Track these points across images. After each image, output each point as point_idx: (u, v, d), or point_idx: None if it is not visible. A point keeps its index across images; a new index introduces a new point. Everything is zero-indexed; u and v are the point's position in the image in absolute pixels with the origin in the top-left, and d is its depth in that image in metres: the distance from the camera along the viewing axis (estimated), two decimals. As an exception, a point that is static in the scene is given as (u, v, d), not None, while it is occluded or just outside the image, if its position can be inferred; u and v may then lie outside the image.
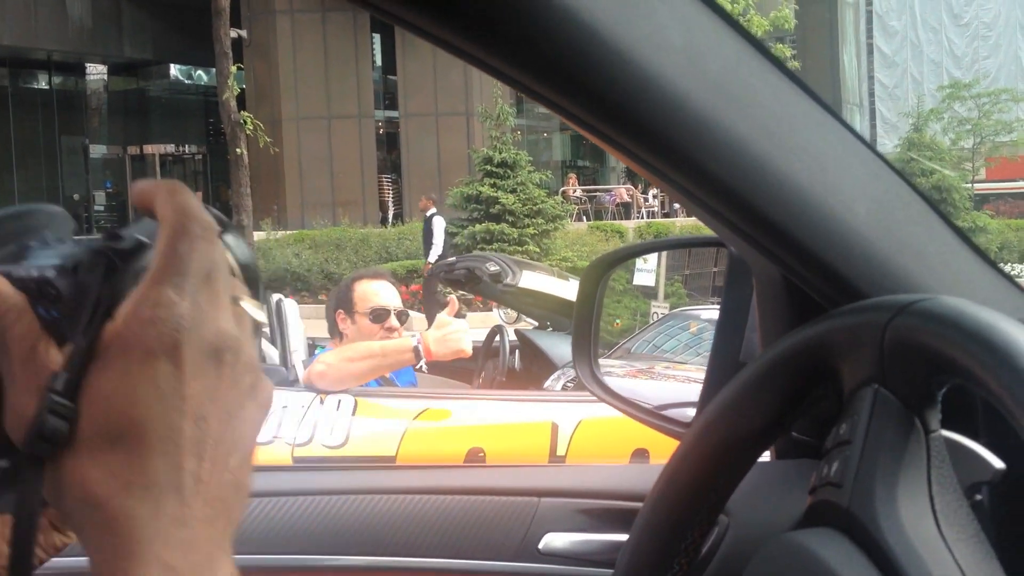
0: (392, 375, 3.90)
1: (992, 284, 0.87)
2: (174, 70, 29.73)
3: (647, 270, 4.92)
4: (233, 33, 14.26)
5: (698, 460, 0.79)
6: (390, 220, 23.61)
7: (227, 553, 0.47)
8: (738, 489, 0.96)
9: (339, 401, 3.35)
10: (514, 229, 15.68)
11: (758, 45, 0.79)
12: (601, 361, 2.87)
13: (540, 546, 1.24)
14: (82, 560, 0.45)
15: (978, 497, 0.67)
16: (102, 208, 28.65)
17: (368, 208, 24.34)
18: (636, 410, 1.27)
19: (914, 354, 0.62)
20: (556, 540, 1.24)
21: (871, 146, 0.84)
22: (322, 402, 3.34)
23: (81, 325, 0.46)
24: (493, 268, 4.58)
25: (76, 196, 28.38)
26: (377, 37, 26.30)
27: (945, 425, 0.66)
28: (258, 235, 16.00)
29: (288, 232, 19.00)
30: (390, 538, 1.24)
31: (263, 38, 23.51)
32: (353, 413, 3.34)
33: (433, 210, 14.25)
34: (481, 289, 4.93)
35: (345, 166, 24.51)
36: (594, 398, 1.33)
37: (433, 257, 13.59)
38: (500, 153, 16.19)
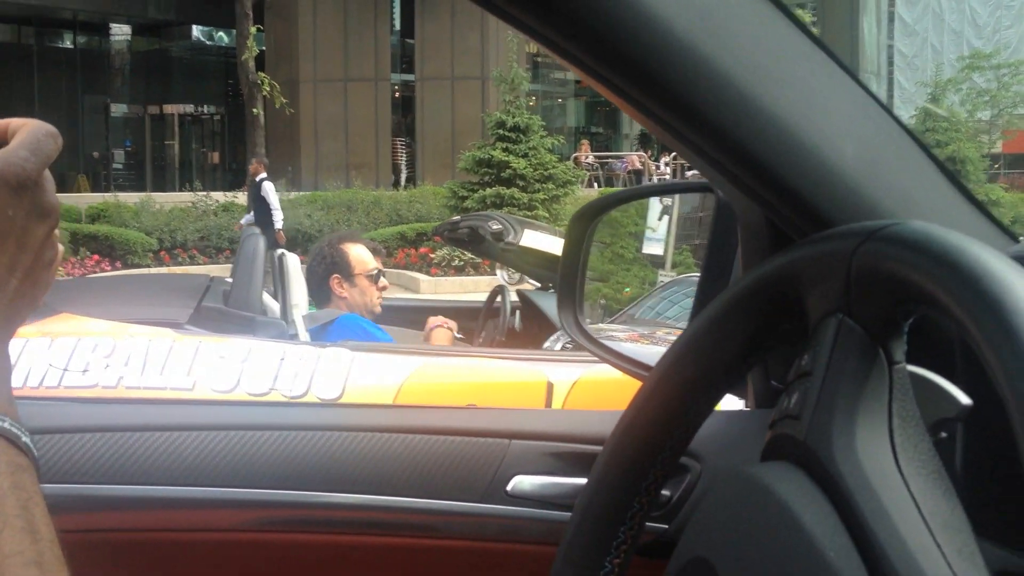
0: (373, 331, 4.03)
1: (983, 227, 0.83)
2: (196, 31, 29.74)
3: (656, 239, 4.96)
4: (254, -7, 14.36)
5: (660, 400, 0.77)
6: (402, 183, 23.67)
7: (6, 345, 0.67)
8: (713, 438, 0.97)
9: (336, 355, 3.45)
10: (524, 194, 15.69)
11: None
12: (603, 325, 2.95)
13: (508, 488, 1.22)
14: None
15: (943, 435, 0.64)
16: (120, 166, 28.89)
17: (381, 171, 24.41)
18: (615, 357, 1.28)
19: (880, 281, 0.60)
20: (524, 482, 1.22)
21: (862, 83, 0.81)
22: (320, 356, 3.44)
23: None
24: (495, 227, 4.50)
25: (96, 154, 28.60)
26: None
27: (920, 361, 0.64)
28: (272, 195, 16.15)
29: (301, 193, 19.13)
30: (356, 475, 1.21)
31: (284, 0, 23.54)
32: (350, 367, 3.42)
33: (263, 175, 13.61)
34: (484, 249, 4.93)
35: (360, 129, 24.60)
36: (592, 358, 1.31)
37: (279, 220, 13.25)
38: (513, 117, 16.17)
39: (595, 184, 23.27)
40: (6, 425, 0.61)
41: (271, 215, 13.20)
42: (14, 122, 0.67)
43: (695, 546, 0.71)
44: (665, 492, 1.12)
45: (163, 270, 14.52)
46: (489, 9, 0.75)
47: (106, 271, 14.37)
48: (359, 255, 3.96)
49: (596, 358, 1.33)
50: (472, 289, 13.13)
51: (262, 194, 13.32)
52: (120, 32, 29.48)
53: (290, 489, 1.20)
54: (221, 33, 28.37)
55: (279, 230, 13.20)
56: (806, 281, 0.67)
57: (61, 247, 0.70)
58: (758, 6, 0.76)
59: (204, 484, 1.16)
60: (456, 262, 14.27)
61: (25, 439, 0.61)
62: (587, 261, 1.38)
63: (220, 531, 1.20)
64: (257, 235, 3.91)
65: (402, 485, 1.21)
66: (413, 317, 4.66)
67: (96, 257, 14.79)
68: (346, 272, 3.92)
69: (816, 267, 0.66)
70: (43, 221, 0.66)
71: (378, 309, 3.99)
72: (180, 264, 15.13)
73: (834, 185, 0.77)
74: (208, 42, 29.98)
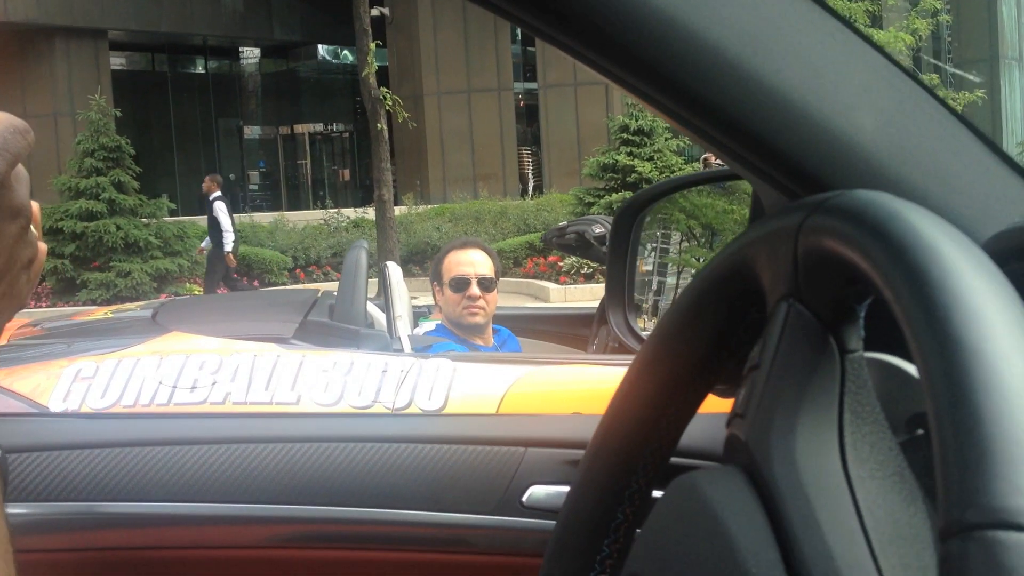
0: (496, 342, 3.95)
1: None
2: (321, 50, 30.50)
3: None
4: (375, 11, 14.59)
5: (635, 403, 0.71)
6: (530, 192, 23.75)
7: None
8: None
9: (439, 365, 3.41)
10: (651, 197, 15.56)
11: None
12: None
13: (524, 499, 1.18)
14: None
15: (920, 431, 0.59)
16: (256, 187, 29.85)
17: (508, 181, 24.56)
18: None
19: (824, 260, 0.53)
20: (541, 492, 1.18)
21: (883, 50, 0.73)
22: (422, 366, 3.41)
23: None
24: (599, 230, 4.49)
25: (232, 176, 29.58)
26: (516, 9, 26.38)
27: (895, 349, 0.59)
28: (399, 210, 16.36)
29: (430, 206, 19.37)
30: (363, 488, 1.18)
31: (405, 15, 23.91)
32: (452, 377, 3.39)
33: (217, 193, 13.08)
34: (592, 254, 4.91)
35: (486, 140, 24.79)
36: None
37: (229, 242, 12.74)
38: (637, 121, 16.05)
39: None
40: None
41: (222, 236, 12.77)
42: None
43: (632, 560, 0.66)
44: None
45: (299, 288, 14.86)
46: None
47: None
48: (454, 260, 3.82)
49: None
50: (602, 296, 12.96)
51: (214, 213, 12.83)
52: (249, 55, 30.48)
53: (294, 503, 1.17)
54: (346, 51, 29.01)
55: (228, 252, 12.83)
56: (760, 265, 0.60)
57: (43, 246, 0.70)
58: None
59: (205, 500, 1.11)
60: (585, 269, 14.18)
61: None
62: (635, 257, 1.29)
63: (222, 548, 1.16)
64: (361, 248, 3.88)
65: (412, 497, 1.17)
66: (530, 327, 4.60)
67: (234, 276, 15.24)
68: (439, 279, 3.84)
69: (767, 247, 0.59)
70: (13, 221, 0.65)
71: (467, 320, 3.79)
72: (314, 281, 15.47)
73: (852, 162, 0.69)
74: (334, 60, 30.70)
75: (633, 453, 0.71)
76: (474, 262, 3.83)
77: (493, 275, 3.87)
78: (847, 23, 0.72)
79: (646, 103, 0.73)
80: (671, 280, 2.61)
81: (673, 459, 1.05)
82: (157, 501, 1.10)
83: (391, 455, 1.19)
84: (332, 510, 1.16)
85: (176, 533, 1.11)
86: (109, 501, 1.10)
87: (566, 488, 1.10)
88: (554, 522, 1.10)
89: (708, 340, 0.66)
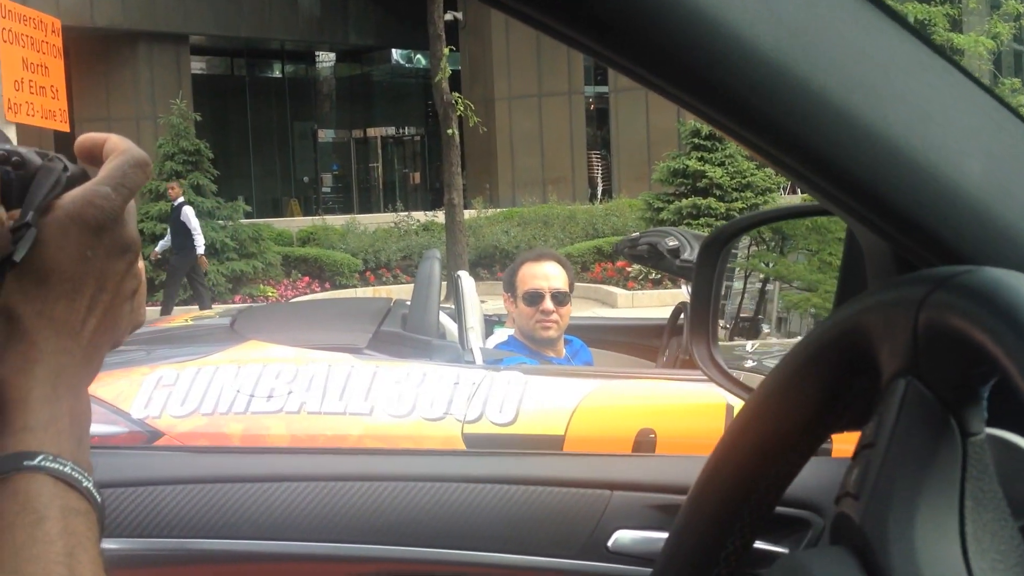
0: (568, 353, 3.95)
1: None
2: (395, 55, 30.76)
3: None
4: (448, 16, 14.66)
5: (737, 460, 0.70)
6: (599, 196, 23.68)
7: (87, 387, 0.65)
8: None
9: (510, 378, 3.43)
10: (722, 203, 15.37)
11: None
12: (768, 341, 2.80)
13: (609, 543, 1.16)
14: None
15: None
16: (329, 190, 30.23)
17: (577, 185, 24.51)
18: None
19: (948, 339, 0.52)
20: (627, 537, 1.15)
21: (992, 92, 0.72)
22: (494, 379, 3.42)
23: (44, 190, 0.62)
24: (672, 243, 4.44)
25: (306, 179, 30.04)
26: (588, 13, 26.32)
27: (1011, 427, 0.57)
28: (469, 213, 16.43)
29: (499, 210, 19.41)
30: (446, 528, 1.16)
31: (477, 19, 24.00)
32: (524, 390, 3.40)
33: (181, 199, 13.26)
34: (664, 265, 4.88)
35: (555, 143, 24.76)
36: None
37: (200, 244, 12.90)
38: (707, 125, 15.86)
39: (798, 190, 22.50)
40: (66, 469, 0.60)
41: (192, 239, 12.91)
42: (111, 142, 0.66)
43: None
44: (782, 550, 1.02)
45: (368, 291, 15.01)
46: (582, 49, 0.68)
47: (316, 292, 14.97)
48: (528, 272, 3.81)
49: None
50: (670, 303, 12.83)
51: (182, 219, 12.95)
52: (325, 59, 30.86)
53: (378, 543, 1.15)
54: (419, 56, 29.22)
55: (201, 255, 13.03)
56: (875, 334, 0.58)
57: (143, 273, 0.70)
58: (861, 15, 0.67)
59: (292, 537, 1.13)
60: (653, 275, 14.10)
61: (86, 483, 0.60)
62: (720, 291, 1.28)
63: None
64: (435, 258, 3.93)
65: (494, 539, 1.15)
66: (600, 337, 4.59)
67: (307, 279, 15.44)
68: (512, 291, 3.84)
69: (884, 318, 0.57)
70: (122, 257, 0.65)
71: (540, 334, 3.79)
72: (384, 284, 15.59)
73: (957, 209, 0.67)
74: (407, 65, 30.94)
75: (733, 508, 0.70)
76: (548, 275, 3.80)
77: (567, 288, 3.84)
78: (955, 63, 0.70)
79: (742, 143, 0.72)
80: (737, 284, 2.59)
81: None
82: (246, 539, 1.13)
83: (475, 496, 1.18)
84: (414, 551, 1.16)
85: (262, 570, 1.14)
86: (200, 538, 1.13)
87: (653, 533, 1.14)
88: (639, 568, 1.11)
89: (815, 403, 0.65)
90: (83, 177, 0.65)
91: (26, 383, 0.61)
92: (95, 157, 0.66)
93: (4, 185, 0.62)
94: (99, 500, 0.61)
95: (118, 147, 0.65)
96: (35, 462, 0.59)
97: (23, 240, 0.60)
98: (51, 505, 0.58)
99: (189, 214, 13.04)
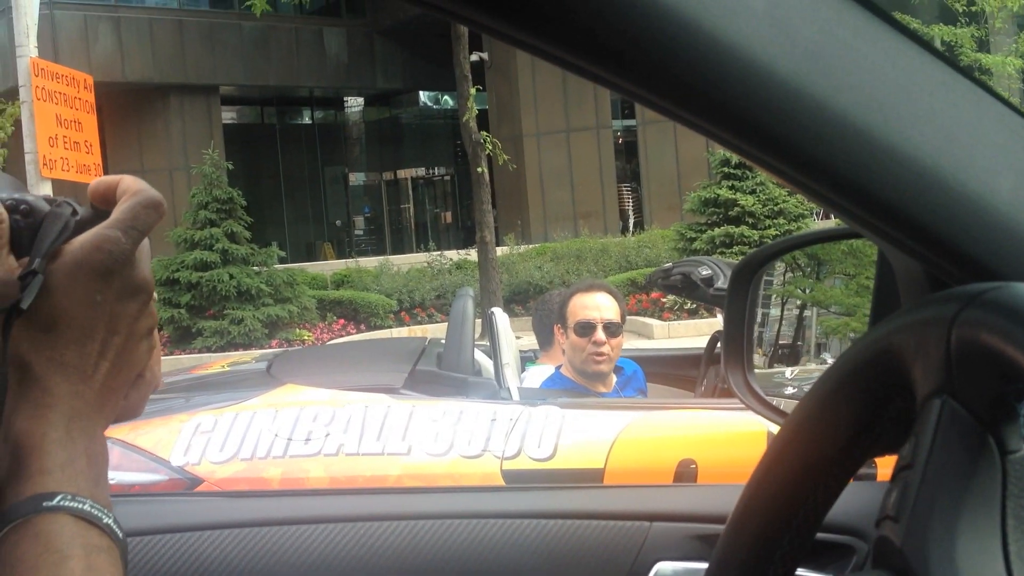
0: (619, 383, 3.92)
1: None
2: (423, 96, 31.02)
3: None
4: (474, 56, 14.77)
5: (779, 479, 0.69)
6: (631, 229, 23.66)
7: (104, 429, 0.64)
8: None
9: (547, 412, 3.41)
10: (754, 231, 15.30)
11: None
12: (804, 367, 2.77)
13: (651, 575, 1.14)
14: None
15: None
16: (361, 232, 30.42)
17: (608, 218, 24.52)
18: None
19: (982, 356, 0.52)
20: (668, 569, 1.15)
21: (1019, 110, 0.71)
22: (531, 415, 3.41)
23: (52, 237, 0.62)
24: (705, 272, 4.42)
25: (338, 222, 30.27)
26: (613, 48, 26.46)
27: None
28: (501, 250, 16.45)
29: (531, 246, 19.44)
30: (484, 565, 1.15)
31: (503, 58, 24.20)
32: (561, 425, 3.38)
33: None
34: (698, 295, 4.86)
35: (585, 178, 24.81)
36: None
37: None
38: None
39: (831, 216, 22.37)
40: (85, 507, 0.60)
41: None
42: (124, 183, 0.66)
43: None
44: None
45: (404, 331, 15.04)
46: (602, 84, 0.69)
47: (351, 334, 15.02)
48: (579, 303, 3.77)
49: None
50: (707, 332, 12.79)
51: None
52: (353, 104, 31.18)
53: None
54: (446, 96, 29.44)
55: None
56: (908, 355, 0.57)
57: (156, 314, 0.69)
58: (880, 38, 0.66)
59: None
60: (688, 305, 14.03)
61: (107, 520, 0.60)
62: (754, 318, 1.28)
63: None
64: (468, 296, 3.93)
65: (534, 575, 1.14)
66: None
67: (342, 321, 15.49)
68: (563, 323, 3.80)
69: (918, 337, 0.57)
70: (134, 298, 0.65)
71: (591, 368, 3.75)
72: (419, 323, 15.62)
73: (987, 226, 0.66)
74: (435, 106, 31.18)
75: (772, 536, 0.69)
76: (600, 306, 3.77)
77: (619, 319, 3.80)
78: (980, 83, 0.70)
79: (767, 169, 0.71)
80: (774, 312, 2.56)
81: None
82: None
83: (514, 531, 1.17)
84: None
85: None
86: None
87: (694, 564, 1.13)
88: None
89: (850, 425, 0.64)
90: (95, 220, 0.65)
91: (40, 428, 0.61)
92: (109, 200, 0.66)
93: (13, 234, 0.63)
94: (121, 536, 0.61)
95: (131, 188, 0.65)
96: (54, 502, 0.59)
97: (29, 288, 0.61)
98: (73, 544, 0.58)
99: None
